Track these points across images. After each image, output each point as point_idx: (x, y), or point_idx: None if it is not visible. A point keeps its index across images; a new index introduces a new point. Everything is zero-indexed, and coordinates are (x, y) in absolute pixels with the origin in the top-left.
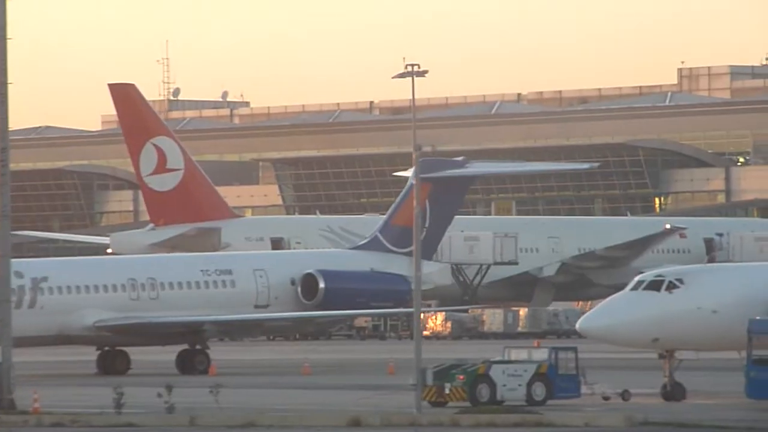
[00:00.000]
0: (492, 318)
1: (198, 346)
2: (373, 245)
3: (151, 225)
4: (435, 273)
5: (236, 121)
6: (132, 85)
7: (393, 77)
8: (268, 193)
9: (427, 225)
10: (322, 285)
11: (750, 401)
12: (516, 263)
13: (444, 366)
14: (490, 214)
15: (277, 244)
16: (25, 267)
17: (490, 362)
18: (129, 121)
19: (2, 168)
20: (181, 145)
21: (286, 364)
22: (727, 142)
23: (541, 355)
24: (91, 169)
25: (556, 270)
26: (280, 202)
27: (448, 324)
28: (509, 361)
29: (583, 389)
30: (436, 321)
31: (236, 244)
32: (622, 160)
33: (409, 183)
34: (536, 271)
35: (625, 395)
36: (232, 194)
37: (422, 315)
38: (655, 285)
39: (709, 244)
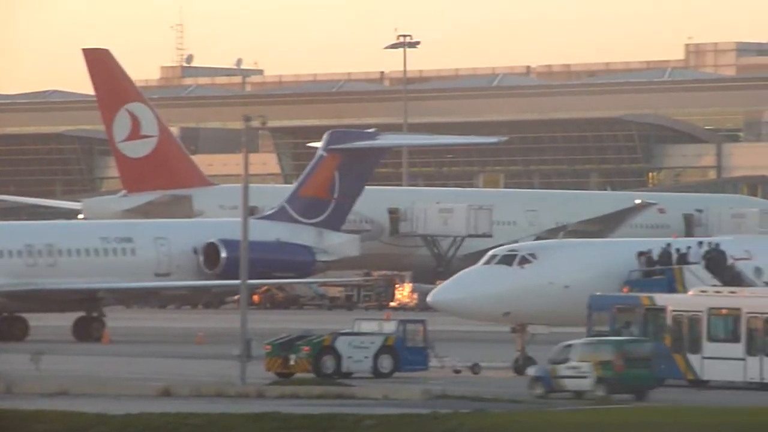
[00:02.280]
0: None
1: (94, 314)
2: (280, 215)
3: (123, 191)
4: (343, 244)
5: (248, 88)
6: (106, 51)
7: (385, 48)
8: (267, 161)
9: (336, 196)
10: (224, 254)
11: None
12: (490, 236)
13: (290, 337)
14: (478, 187)
15: (252, 212)
16: None
17: (336, 334)
18: (103, 86)
19: None
20: (155, 112)
21: (185, 333)
22: (722, 119)
23: (391, 327)
24: (91, 134)
25: None
26: (278, 170)
27: (415, 296)
28: (356, 333)
29: (433, 362)
30: (403, 293)
31: (210, 212)
32: (616, 134)
33: (318, 154)
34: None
35: (475, 368)
36: (231, 162)
37: (395, 285)
38: (507, 259)
39: (689, 219)
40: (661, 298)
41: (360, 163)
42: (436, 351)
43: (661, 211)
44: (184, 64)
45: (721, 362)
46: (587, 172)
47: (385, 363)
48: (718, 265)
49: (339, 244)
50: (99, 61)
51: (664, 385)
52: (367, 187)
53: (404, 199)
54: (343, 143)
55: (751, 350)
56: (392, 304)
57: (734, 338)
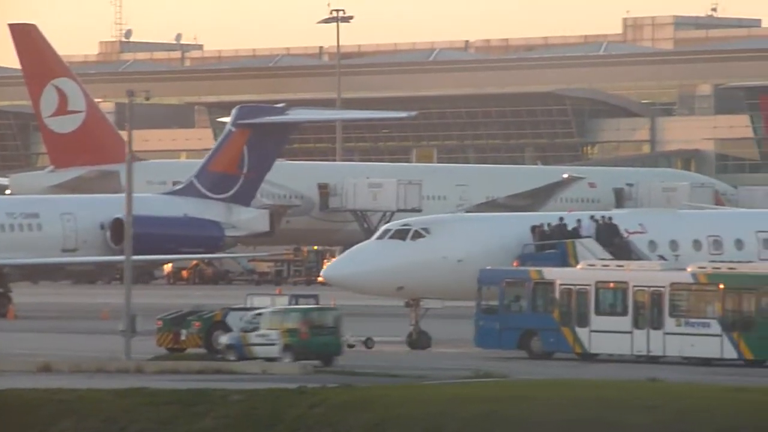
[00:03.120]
0: None
1: (0, 289)
2: (188, 191)
3: (51, 167)
4: (252, 219)
5: (187, 63)
6: (33, 26)
7: (318, 22)
8: (203, 137)
9: (245, 171)
10: None
11: (478, 350)
12: (419, 210)
13: (181, 312)
14: (411, 161)
15: None
16: None
17: (227, 309)
18: (29, 62)
19: None
20: (83, 87)
21: (94, 309)
22: (657, 93)
23: (283, 302)
24: (28, 110)
25: None
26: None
27: None
28: (247, 309)
29: None
30: None
31: (138, 188)
32: (550, 109)
33: (226, 129)
34: None
35: (368, 343)
36: (167, 137)
37: (325, 261)
38: (400, 234)
39: (619, 193)
40: (550, 272)
41: (269, 138)
42: None
43: (592, 185)
44: (123, 39)
45: (608, 335)
46: (522, 146)
47: None
48: (610, 239)
49: (248, 219)
50: (25, 36)
51: (553, 359)
52: (296, 162)
53: (334, 174)
54: (251, 118)
55: (638, 323)
56: (320, 279)
57: (621, 311)
